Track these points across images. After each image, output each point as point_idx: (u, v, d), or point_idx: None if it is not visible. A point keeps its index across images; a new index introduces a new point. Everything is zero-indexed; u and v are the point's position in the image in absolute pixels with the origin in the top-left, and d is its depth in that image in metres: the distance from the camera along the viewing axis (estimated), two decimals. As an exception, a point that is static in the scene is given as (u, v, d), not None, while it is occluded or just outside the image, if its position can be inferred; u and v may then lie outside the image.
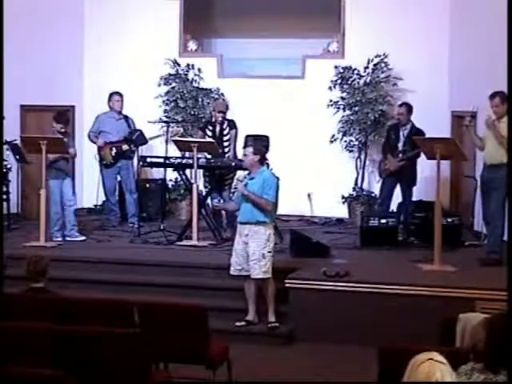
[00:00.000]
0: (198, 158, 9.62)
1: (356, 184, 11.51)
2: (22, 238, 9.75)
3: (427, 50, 11.28)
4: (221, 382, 6.02)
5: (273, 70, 11.90)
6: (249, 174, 7.84)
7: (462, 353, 4.30)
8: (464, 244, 9.57)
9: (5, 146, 10.34)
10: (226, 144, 9.99)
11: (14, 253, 8.25)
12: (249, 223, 7.67)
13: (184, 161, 9.98)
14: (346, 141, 11.47)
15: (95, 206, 11.74)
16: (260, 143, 9.17)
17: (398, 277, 8.04)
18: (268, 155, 8.74)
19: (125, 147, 10.74)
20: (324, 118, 11.46)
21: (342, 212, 11.49)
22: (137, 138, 10.46)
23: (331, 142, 11.54)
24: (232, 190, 8.33)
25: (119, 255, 9.13)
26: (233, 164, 9.70)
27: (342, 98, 11.42)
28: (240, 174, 8.85)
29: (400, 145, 9.95)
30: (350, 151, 11.54)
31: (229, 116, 10.18)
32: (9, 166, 10.81)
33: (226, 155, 9.97)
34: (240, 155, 9.35)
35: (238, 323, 7.76)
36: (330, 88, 11.41)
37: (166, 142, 10.67)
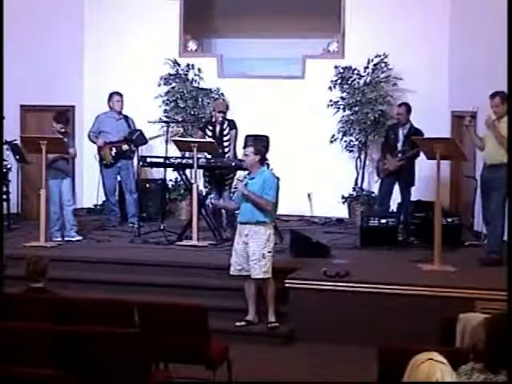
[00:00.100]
0: (198, 158, 9.63)
1: (356, 184, 11.51)
2: (22, 238, 9.75)
3: (427, 50, 11.28)
4: (221, 382, 6.02)
5: (273, 70, 11.90)
6: (249, 174, 7.84)
7: (462, 353, 4.30)
8: (464, 244, 9.57)
9: (5, 146, 10.34)
10: (226, 144, 9.99)
11: (14, 253, 8.25)
12: (249, 223, 7.67)
13: (184, 161, 9.98)
14: (345, 141, 11.47)
15: (95, 205, 11.75)
16: (260, 143, 9.17)
17: (397, 277, 8.04)
18: (268, 155, 8.75)
19: (125, 147, 10.74)
20: (324, 118, 11.46)
21: (342, 212, 11.49)
22: (137, 138, 10.47)
23: (331, 141, 11.54)
24: (232, 190, 8.33)
25: (119, 255, 9.13)
26: (233, 164, 9.70)
27: (342, 98, 11.42)
28: (240, 174, 8.85)
29: (399, 144, 9.96)
30: (350, 151, 11.54)
31: (229, 116, 10.18)
32: (9, 166, 10.81)
33: (226, 155, 9.97)
34: (240, 155, 9.36)
35: (237, 323, 7.76)
36: (330, 88, 11.41)
37: (166, 142, 10.67)
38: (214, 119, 10.13)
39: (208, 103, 11.67)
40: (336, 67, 11.45)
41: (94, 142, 10.86)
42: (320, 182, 11.57)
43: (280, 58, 11.92)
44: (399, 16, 11.36)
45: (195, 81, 11.88)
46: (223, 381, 6.04)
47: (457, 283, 7.73)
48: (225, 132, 10.01)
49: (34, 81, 11.61)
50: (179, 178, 10.94)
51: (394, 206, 10.31)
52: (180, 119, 11.64)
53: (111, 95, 10.92)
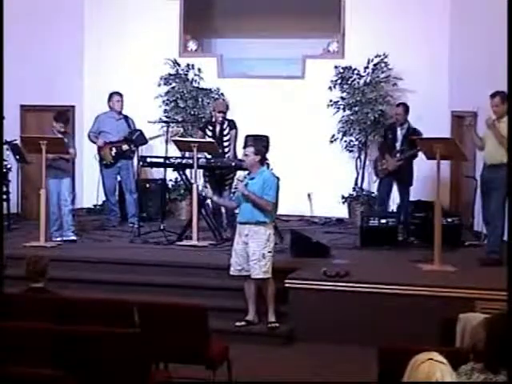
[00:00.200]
0: (198, 158, 9.63)
1: (356, 184, 11.51)
2: (22, 237, 9.75)
3: (427, 50, 11.28)
4: (221, 382, 6.02)
5: (273, 70, 11.90)
6: (249, 174, 7.84)
7: (462, 353, 4.30)
8: (464, 244, 9.57)
9: (5, 146, 10.34)
10: (226, 144, 9.98)
11: (14, 253, 8.25)
12: (249, 223, 7.67)
13: (184, 161, 9.98)
14: (345, 141, 11.47)
15: (95, 205, 11.75)
16: (260, 143, 9.17)
17: (397, 277, 8.04)
18: (268, 155, 8.75)
19: (125, 147, 10.74)
20: (324, 118, 11.46)
21: (342, 212, 11.49)
22: (137, 138, 10.47)
23: (331, 141, 11.54)
24: (232, 190, 8.33)
25: (119, 255, 9.13)
26: (233, 164, 9.70)
27: (342, 98, 11.42)
28: (240, 174, 8.85)
29: (398, 144, 9.97)
30: (350, 151, 11.54)
31: (229, 116, 10.18)
32: (9, 166, 10.81)
33: (226, 155, 9.97)
34: (240, 155, 9.35)
35: (238, 323, 7.76)
36: (330, 88, 11.41)
37: (166, 142, 10.67)
38: (213, 119, 10.13)
39: (208, 103, 11.67)
40: (336, 67, 11.45)
41: (94, 142, 10.86)
42: (320, 182, 11.57)
43: (280, 58, 11.92)
44: (399, 16, 11.36)
45: (195, 81, 11.88)
46: (223, 381, 6.04)
47: (457, 283, 7.73)
48: (225, 132, 10.01)
49: (34, 81, 11.61)
50: (179, 178, 10.93)
51: (394, 206, 10.31)
52: (180, 119, 11.64)
53: (111, 95, 10.92)
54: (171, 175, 11.36)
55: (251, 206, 7.64)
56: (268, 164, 8.80)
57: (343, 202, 11.48)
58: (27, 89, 11.52)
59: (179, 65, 11.89)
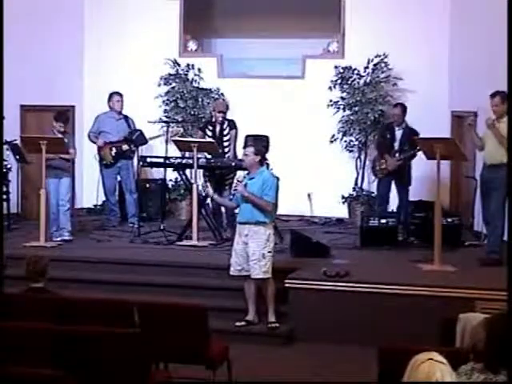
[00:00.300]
0: (198, 158, 9.63)
1: (356, 184, 11.51)
2: (22, 237, 9.75)
3: (427, 50, 11.28)
4: (221, 382, 6.02)
5: (273, 70, 11.90)
6: (248, 174, 7.84)
7: (461, 353, 4.30)
8: (464, 244, 9.57)
9: (5, 146, 10.34)
10: (226, 144, 9.98)
11: (14, 253, 8.25)
12: (248, 223, 7.67)
13: (184, 161, 9.98)
14: (345, 141, 11.47)
15: (95, 205, 11.74)
16: (260, 143, 9.16)
17: (397, 277, 8.04)
18: (268, 155, 8.75)
19: (125, 147, 10.74)
20: (324, 118, 11.46)
21: (342, 212, 11.49)
22: (137, 138, 10.46)
23: (331, 141, 11.54)
24: (232, 192, 8.32)
25: (119, 255, 9.13)
26: (233, 164, 9.70)
27: (342, 98, 11.42)
28: (240, 174, 8.85)
29: (396, 144, 9.97)
30: (350, 151, 11.54)
31: (229, 116, 10.18)
32: (9, 166, 10.80)
33: (226, 155, 9.97)
34: (240, 155, 9.35)
35: (238, 323, 7.76)
36: (330, 88, 11.41)
37: (166, 142, 10.67)
38: (213, 119, 10.13)
39: (208, 103, 11.66)
40: (336, 67, 11.44)
41: (94, 142, 10.86)
42: (320, 182, 11.57)
43: (280, 58, 11.92)
44: (399, 16, 11.36)
45: (195, 81, 11.88)
46: (223, 381, 6.04)
47: (457, 283, 7.73)
48: (225, 132, 10.01)
49: (34, 81, 11.61)
50: (179, 178, 10.93)
51: (394, 206, 10.31)
52: (180, 119, 11.64)
53: (111, 95, 10.92)
54: (171, 175, 11.36)
55: (251, 206, 7.64)
56: (268, 164, 8.80)
57: (343, 202, 11.48)
58: (27, 89, 11.52)
59: (179, 65, 11.89)
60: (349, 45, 11.63)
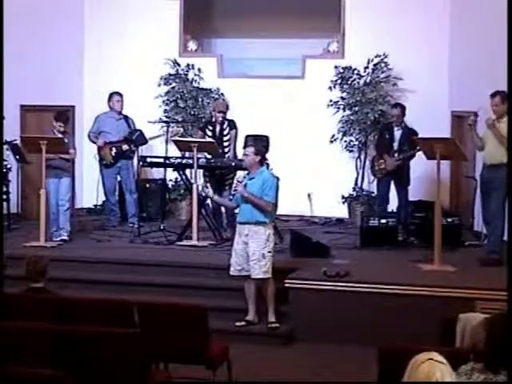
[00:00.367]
0: (198, 158, 9.63)
1: (356, 184, 11.51)
2: (22, 237, 9.75)
3: (427, 50, 11.28)
4: (221, 382, 6.02)
5: (273, 70, 11.90)
6: (248, 174, 7.84)
7: (461, 353, 4.30)
8: (464, 244, 9.57)
9: (5, 146, 10.34)
10: (226, 144, 9.98)
11: (14, 253, 8.25)
12: (248, 223, 7.67)
13: (184, 161, 9.98)
14: (346, 141, 11.47)
15: (95, 205, 11.74)
16: (260, 143, 9.16)
17: (397, 277, 8.04)
18: (268, 155, 8.75)
19: (125, 147, 10.73)
20: (324, 118, 11.46)
21: (342, 212, 11.49)
22: (137, 138, 10.46)
23: (331, 141, 11.54)
24: (232, 192, 8.32)
25: (119, 255, 9.13)
26: (233, 164, 9.70)
27: (342, 98, 11.42)
28: (240, 174, 8.85)
29: (395, 144, 9.97)
30: (350, 151, 11.54)
31: (229, 116, 10.18)
32: (9, 166, 10.80)
33: (226, 155, 9.97)
34: (240, 155, 9.35)
35: (238, 323, 7.76)
36: (330, 88, 11.41)
37: (166, 142, 10.67)
38: (213, 119, 10.13)
39: (208, 103, 11.66)
40: (336, 67, 11.44)
41: (94, 142, 10.86)
42: (320, 182, 11.57)
43: (280, 58, 11.91)
44: (399, 16, 11.36)
45: (195, 81, 11.88)
46: (223, 381, 6.04)
47: (457, 283, 7.73)
48: (225, 132, 10.01)
49: (34, 81, 11.61)
50: (179, 178, 10.93)
51: (394, 206, 10.31)
52: (180, 119, 11.64)
53: (111, 95, 10.92)
54: (171, 175, 11.36)
55: (251, 206, 7.64)
56: (268, 164, 8.80)
57: (343, 202, 11.47)
58: (27, 89, 11.52)
59: (179, 65, 11.89)
60: (349, 45, 11.63)
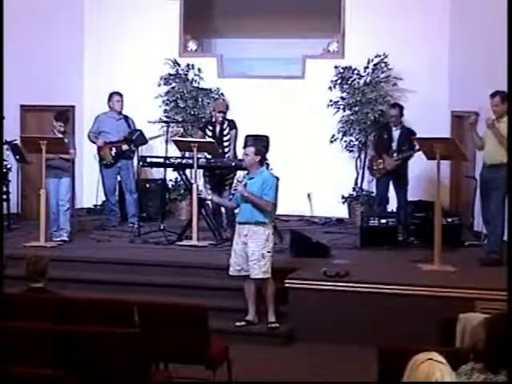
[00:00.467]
0: (198, 158, 9.63)
1: (356, 184, 11.51)
2: (22, 237, 9.75)
3: (427, 50, 11.28)
4: (221, 382, 6.02)
5: (273, 70, 11.90)
6: (248, 174, 7.84)
7: (461, 353, 4.30)
8: (464, 244, 9.57)
9: (5, 146, 10.34)
10: (226, 144, 9.98)
11: (14, 253, 8.25)
12: (248, 223, 7.67)
13: (184, 161, 9.98)
14: (346, 141, 11.47)
15: (95, 205, 11.74)
16: (260, 143, 9.16)
17: (397, 277, 8.04)
18: (268, 155, 8.74)
19: (124, 147, 10.73)
20: (324, 118, 11.46)
21: (342, 212, 11.48)
22: (137, 138, 10.46)
23: (331, 141, 11.54)
24: (232, 192, 8.32)
25: (119, 255, 9.13)
26: (233, 164, 9.70)
27: (342, 98, 11.42)
28: (240, 174, 8.85)
29: (394, 144, 9.97)
30: (350, 151, 11.54)
31: (229, 116, 10.18)
32: (9, 166, 10.80)
33: (226, 155, 9.97)
34: (240, 155, 9.35)
35: (238, 323, 7.76)
36: (330, 88, 11.41)
37: (166, 142, 10.67)
38: (213, 119, 10.13)
39: (208, 103, 11.66)
40: (336, 67, 11.44)
41: (94, 142, 10.85)
42: (320, 182, 11.57)
43: (280, 58, 11.91)
44: (399, 16, 11.36)
45: (195, 81, 11.88)
46: (223, 381, 6.04)
47: (457, 283, 7.73)
48: (225, 132, 10.00)
49: (34, 81, 11.60)
50: (179, 178, 10.94)
51: (394, 206, 10.31)
52: (180, 119, 11.64)
53: (111, 95, 10.92)
54: (171, 175, 11.35)
55: (251, 206, 7.64)
56: (268, 164, 8.79)
57: (343, 202, 11.47)
58: (27, 89, 11.52)
59: (179, 65, 11.89)
60: (349, 45, 11.63)
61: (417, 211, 9.92)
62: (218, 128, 10.01)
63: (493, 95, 8.48)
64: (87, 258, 9.01)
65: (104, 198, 11.21)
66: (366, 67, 11.31)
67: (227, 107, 10.27)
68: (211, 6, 12.34)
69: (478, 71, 10.09)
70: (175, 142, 9.98)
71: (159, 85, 11.86)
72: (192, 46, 12.19)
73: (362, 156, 11.50)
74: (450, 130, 10.96)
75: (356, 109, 11.29)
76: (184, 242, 9.54)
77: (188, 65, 11.88)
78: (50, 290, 6.17)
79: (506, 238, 8.62)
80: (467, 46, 10.65)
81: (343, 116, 11.43)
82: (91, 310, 5.81)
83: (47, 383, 4.27)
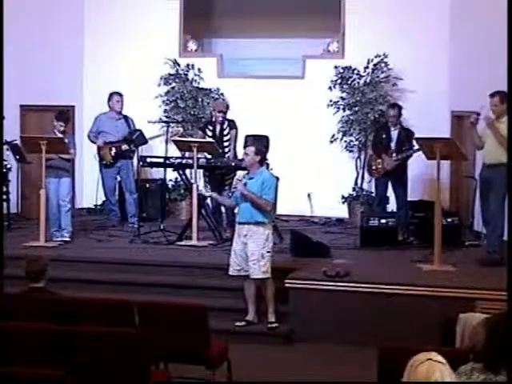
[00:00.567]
0: (198, 158, 9.63)
1: (356, 184, 11.51)
2: (22, 237, 9.74)
3: (427, 50, 11.27)
4: (221, 382, 6.02)
5: (273, 70, 11.89)
6: (248, 174, 7.84)
7: (461, 353, 4.30)
8: (464, 244, 9.57)
9: (5, 146, 10.34)
10: (226, 144, 9.98)
11: (14, 253, 8.24)
12: (248, 223, 7.67)
13: (184, 161, 9.98)
14: (346, 141, 11.47)
15: (95, 205, 11.75)
16: (260, 143, 9.16)
17: (397, 277, 8.04)
18: (268, 155, 8.74)
19: (124, 147, 10.73)
20: (324, 118, 11.45)
21: (342, 212, 11.48)
22: (137, 138, 10.46)
23: (331, 142, 11.54)
24: (232, 190, 8.32)
25: (119, 255, 9.13)
26: (233, 164, 9.70)
27: (342, 98, 11.42)
28: (240, 174, 8.85)
29: (393, 144, 9.97)
30: (350, 151, 11.54)
31: (229, 116, 10.17)
32: (9, 166, 10.80)
33: (226, 155, 9.96)
34: (240, 155, 9.35)
35: (238, 323, 7.76)
36: (329, 88, 11.41)
37: (166, 142, 10.66)
38: (213, 119, 10.13)
39: (208, 103, 11.66)
40: (336, 67, 11.44)
41: (94, 142, 10.85)
42: (320, 182, 11.57)
43: (280, 58, 11.91)
44: (399, 16, 11.35)
45: (195, 81, 11.88)
46: (223, 381, 6.05)
47: (457, 283, 7.73)
48: (225, 132, 10.00)
49: (34, 81, 11.60)
50: (179, 178, 10.93)
51: (394, 206, 10.31)
52: (180, 119, 11.63)
53: (111, 95, 10.92)
54: (171, 175, 11.35)
55: (250, 206, 7.64)
56: (268, 164, 8.79)
57: (343, 202, 11.47)
58: (27, 89, 11.52)
59: (179, 65, 11.89)
60: (349, 45, 11.62)
61: (417, 211, 9.91)
62: (218, 128, 10.01)
63: (492, 95, 8.48)
64: (87, 258, 9.01)
65: (104, 198, 11.22)
66: (366, 67, 11.31)
67: (227, 107, 10.26)
68: (211, 5, 12.34)
69: (478, 71, 10.09)
70: (175, 142, 9.97)
71: (159, 85, 11.86)
72: (192, 46, 12.19)
73: (362, 156, 11.49)
74: (450, 130, 10.96)
75: (356, 109, 11.29)
76: (184, 242, 9.54)
77: (188, 65, 11.88)
78: (50, 290, 6.17)
79: (506, 237, 8.61)
80: (467, 46, 10.65)
81: (343, 116, 11.43)
82: (91, 310, 5.81)
83: (47, 383, 4.27)
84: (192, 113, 11.69)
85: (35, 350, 4.95)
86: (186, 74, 11.87)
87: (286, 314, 7.90)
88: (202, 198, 9.77)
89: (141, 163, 10.24)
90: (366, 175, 11.37)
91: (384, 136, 10.07)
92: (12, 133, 10.56)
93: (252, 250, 7.61)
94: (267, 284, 7.72)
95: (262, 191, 7.62)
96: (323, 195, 11.58)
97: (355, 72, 11.37)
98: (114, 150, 10.76)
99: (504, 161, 8.12)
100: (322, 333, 7.66)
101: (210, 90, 11.86)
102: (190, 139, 10.25)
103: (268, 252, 7.65)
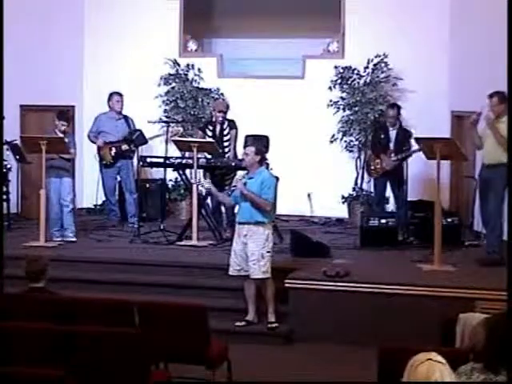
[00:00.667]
0: (198, 158, 9.63)
1: (356, 184, 11.51)
2: (22, 237, 9.74)
3: (427, 50, 11.27)
4: (221, 382, 6.02)
5: (273, 70, 11.89)
6: (247, 174, 7.84)
7: (461, 353, 4.30)
8: (464, 244, 9.57)
9: (5, 146, 10.34)
10: (226, 144, 9.98)
11: (14, 253, 8.24)
12: (248, 223, 7.67)
13: (184, 161, 9.98)
14: (346, 141, 11.47)
15: (95, 205, 11.75)
16: (260, 143, 9.16)
17: (397, 277, 8.04)
18: (268, 155, 8.74)
19: (124, 147, 10.73)
20: (324, 118, 11.45)
21: (342, 212, 11.48)
22: (137, 138, 10.46)
23: (331, 142, 11.54)
24: (232, 189, 8.32)
25: (119, 255, 9.13)
26: (233, 164, 9.70)
27: (342, 98, 11.42)
28: (240, 173, 8.85)
29: (391, 144, 9.97)
30: (350, 151, 11.54)
31: (229, 116, 10.17)
32: (9, 166, 10.80)
33: (226, 155, 9.97)
34: (240, 155, 9.35)
35: (238, 323, 7.77)
36: (329, 88, 11.41)
37: (166, 142, 10.66)
38: (213, 119, 10.13)
39: (208, 103, 11.66)
40: (336, 67, 11.44)
41: (94, 142, 10.86)
42: (320, 182, 11.57)
43: (280, 58, 11.91)
44: (399, 16, 11.35)
45: (195, 81, 11.88)
46: (223, 381, 6.05)
47: (457, 283, 7.73)
48: (225, 132, 10.01)
49: (34, 81, 11.60)
50: (179, 178, 10.94)
51: (393, 206, 10.31)
52: (180, 119, 11.63)
53: (111, 95, 10.92)
54: (171, 175, 11.35)
55: (250, 206, 7.64)
56: (268, 164, 8.80)
57: (343, 202, 11.47)
58: (27, 89, 11.51)
59: (179, 65, 11.89)
60: (349, 45, 11.62)
61: (417, 211, 9.92)
62: (218, 128, 10.01)
63: (491, 95, 8.48)
64: (87, 258, 9.01)
65: (104, 198, 11.22)
66: (366, 67, 11.31)
67: (227, 107, 10.26)
68: (211, 5, 12.34)
69: (478, 71, 10.09)
70: (175, 142, 9.98)
71: (159, 85, 11.86)
72: (192, 45, 12.19)
73: (362, 156, 11.49)
74: (450, 130, 10.96)
75: (356, 109, 11.29)
76: (184, 242, 9.54)
77: (188, 65, 11.88)
78: (50, 290, 6.17)
79: (505, 237, 8.61)
80: (467, 46, 10.65)
81: (343, 116, 11.43)
82: (91, 310, 5.81)
83: (47, 383, 4.27)
84: (192, 113, 11.69)
85: (35, 349, 4.95)
86: (186, 74, 11.87)
87: (286, 314, 7.90)
88: (202, 198, 9.78)
89: (141, 163, 10.24)
90: (366, 175, 11.38)
91: (382, 136, 10.08)
92: (12, 133, 10.56)
93: (252, 250, 7.61)
94: (267, 284, 7.72)
95: (261, 191, 7.62)
96: (323, 195, 11.58)
97: (355, 72, 11.37)
98: (114, 149, 10.77)
99: (504, 161, 8.13)
100: (322, 333, 7.67)
101: (210, 90, 11.86)
102: (189, 139, 10.25)
103: (268, 252, 7.65)
